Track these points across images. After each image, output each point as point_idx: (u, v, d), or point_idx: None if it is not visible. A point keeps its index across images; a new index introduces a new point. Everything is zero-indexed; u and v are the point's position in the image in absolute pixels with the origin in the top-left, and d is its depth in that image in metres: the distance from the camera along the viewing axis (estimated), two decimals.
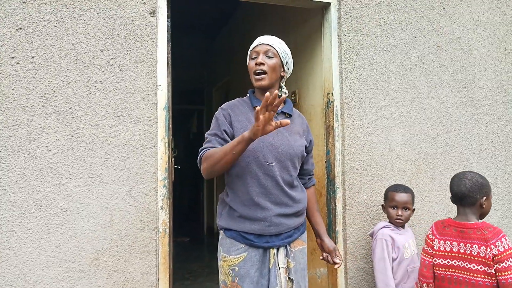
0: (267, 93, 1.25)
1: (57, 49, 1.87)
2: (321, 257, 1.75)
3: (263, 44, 1.57)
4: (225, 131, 1.53)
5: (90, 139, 1.89)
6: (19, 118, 1.81)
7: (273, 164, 1.51)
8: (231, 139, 1.52)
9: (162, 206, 1.98)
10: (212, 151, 1.46)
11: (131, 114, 1.96)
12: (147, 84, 1.99)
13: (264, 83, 1.55)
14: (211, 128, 1.59)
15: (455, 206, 2.57)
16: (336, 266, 1.70)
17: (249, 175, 1.51)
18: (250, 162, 1.50)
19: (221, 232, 1.59)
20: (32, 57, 1.84)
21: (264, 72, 1.54)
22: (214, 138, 1.54)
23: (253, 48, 1.58)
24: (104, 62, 1.93)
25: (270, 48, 1.56)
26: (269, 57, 1.56)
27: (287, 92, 1.70)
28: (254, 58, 1.56)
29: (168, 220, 1.99)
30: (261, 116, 1.28)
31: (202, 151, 1.53)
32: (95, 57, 1.92)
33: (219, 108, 1.62)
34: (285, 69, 1.62)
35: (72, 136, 1.87)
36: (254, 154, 1.50)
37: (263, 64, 1.54)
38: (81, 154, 1.88)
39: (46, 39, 1.85)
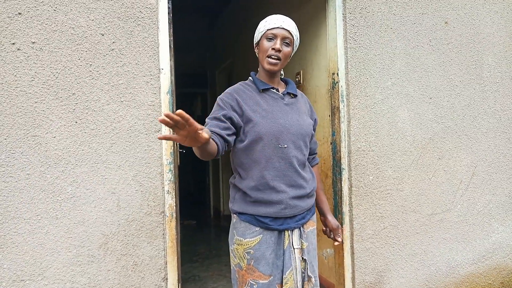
0: (179, 113, 1.02)
1: (57, 34, 1.84)
2: (323, 229, 1.76)
3: (283, 29, 1.52)
4: (225, 116, 1.47)
5: (94, 125, 1.88)
6: (23, 105, 1.80)
7: (286, 146, 1.50)
8: (233, 123, 1.48)
9: (168, 190, 1.98)
10: None
11: (135, 99, 1.94)
12: (150, 68, 1.96)
13: (276, 68, 1.53)
14: (211, 113, 1.54)
15: (461, 186, 2.56)
16: (336, 243, 1.73)
17: (264, 159, 1.49)
18: (264, 146, 1.49)
19: (234, 216, 1.58)
20: (33, 42, 1.81)
21: (279, 59, 1.52)
22: (211, 122, 1.48)
23: (271, 28, 1.52)
24: (106, 47, 1.90)
25: (288, 36, 1.53)
26: (286, 45, 1.53)
27: (283, 73, 1.68)
28: (271, 39, 1.52)
29: (174, 204, 2.00)
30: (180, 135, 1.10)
31: None
32: (96, 41, 1.89)
33: (222, 94, 1.58)
34: (291, 56, 1.61)
35: (76, 122, 1.86)
36: (267, 138, 1.48)
37: (280, 51, 1.51)
38: (85, 140, 1.87)
39: (46, 24, 1.83)
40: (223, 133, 1.44)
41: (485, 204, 2.63)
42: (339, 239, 1.72)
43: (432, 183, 2.49)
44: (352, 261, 2.32)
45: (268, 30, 1.53)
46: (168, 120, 1.02)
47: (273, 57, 1.51)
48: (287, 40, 1.52)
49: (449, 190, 2.53)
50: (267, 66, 1.53)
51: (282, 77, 1.66)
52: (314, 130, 1.70)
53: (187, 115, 1.03)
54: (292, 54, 1.60)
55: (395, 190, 2.39)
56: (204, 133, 1.10)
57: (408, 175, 2.43)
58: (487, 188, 2.63)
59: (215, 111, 1.51)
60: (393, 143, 2.39)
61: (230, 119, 1.48)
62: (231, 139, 1.47)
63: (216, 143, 1.39)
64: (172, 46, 2.03)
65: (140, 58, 1.95)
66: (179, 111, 1.01)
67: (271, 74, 1.57)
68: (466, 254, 2.56)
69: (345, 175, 2.32)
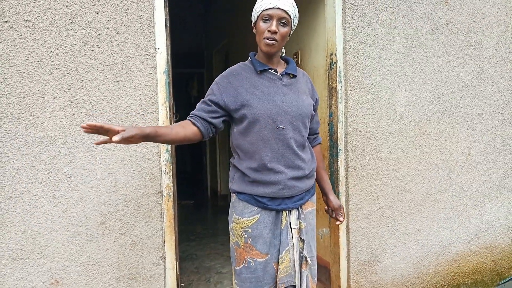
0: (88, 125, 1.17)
1: (51, 12, 1.80)
2: (325, 208, 1.78)
3: (279, 9, 1.48)
4: (211, 100, 1.51)
5: (90, 105, 1.87)
6: (17, 85, 1.78)
7: (284, 127, 1.50)
8: (220, 107, 1.51)
9: (165, 170, 1.99)
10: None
11: (131, 79, 1.92)
12: (146, 48, 1.94)
13: (273, 50, 1.51)
14: (206, 95, 1.57)
15: (456, 166, 2.58)
16: (337, 223, 1.75)
17: (261, 141, 1.49)
18: (261, 128, 1.49)
19: (233, 195, 1.60)
20: (26, 20, 1.78)
21: (275, 40, 1.49)
22: (199, 105, 1.54)
23: (267, 9, 1.48)
24: (100, 25, 1.87)
25: (285, 16, 1.49)
26: (283, 25, 1.50)
27: (284, 51, 1.65)
28: (266, 21, 1.49)
29: (172, 184, 2.01)
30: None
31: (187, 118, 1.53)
32: (90, 19, 1.86)
33: (219, 76, 1.58)
34: (290, 34, 1.58)
35: (72, 102, 1.85)
36: (264, 120, 1.48)
37: (276, 32, 1.48)
38: (82, 120, 1.86)
39: (39, 2, 1.79)
40: (206, 116, 1.50)
41: (480, 185, 2.65)
42: (341, 219, 1.73)
43: (428, 164, 2.50)
44: (348, 240, 2.35)
45: (263, 10, 1.49)
46: (88, 129, 1.17)
47: (269, 39, 1.49)
48: (283, 21, 1.49)
49: (444, 171, 2.55)
50: (264, 48, 1.51)
51: (283, 55, 1.64)
52: (315, 110, 1.69)
53: (98, 124, 1.17)
54: (291, 33, 1.57)
55: (391, 170, 2.41)
56: (125, 134, 1.19)
57: (405, 156, 2.44)
58: (482, 169, 2.66)
59: (207, 95, 1.56)
60: (390, 124, 2.39)
61: (217, 104, 1.51)
62: (217, 121, 1.53)
63: (198, 127, 1.48)
64: (168, 25, 2.00)
65: (135, 37, 1.92)
66: (89, 123, 1.17)
67: (269, 55, 1.55)
68: (459, 233, 2.61)
69: (341, 156, 2.33)
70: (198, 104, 1.55)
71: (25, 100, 1.79)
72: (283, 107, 1.51)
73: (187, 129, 1.46)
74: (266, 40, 1.49)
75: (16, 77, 1.77)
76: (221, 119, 1.54)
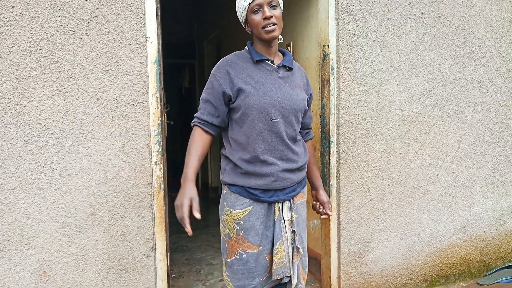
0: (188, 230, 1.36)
1: None
2: (313, 202, 1.78)
3: None
4: (219, 95, 1.51)
5: (79, 94, 1.84)
6: (3, 73, 1.73)
7: (277, 119, 1.49)
8: (228, 102, 1.51)
9: (156, 161, 1.97)
10: (190, 141, 1.54)
11: (121, 68, 1.89)
12: (136, 36, 1.90)
13: (276, 34, 1.50)
14: (205, 89, 1.55)
15: (446, 159, 2.61)
16: (325, 217, 1.77)
17: (254, 133, 1.48)
18: (255, 119, 1.47)
19: (225, 187, 1.59)
20: (12, 7, 1.73)
21: (274, 24, 1.48)
22: (205, 107, 1.53)
23: (253, 0, 1.48)
24: (89, 12, 1.83)
25: None
26: (274, 8, 1.49)
27: (282, 38, 1.63)
28: (257, 11, 1.48)
29: (162, 175, 1.99)
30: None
31: (193, 122, 1.55)
32: (79, 6, 1.81)
33: (215, 67, 1.56)
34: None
35: (60, 91, 1.81)
36: (258, 111, 1.47)
37: (272, 16, 1.47)
38: (70, 110, 1.83)
39: None
40: (215, 121, 1.53)
41: (469, 177, 2.68)
42: (330, 212, 1.74)
43: (419, 156, 2.52)
44: (338, 231, 2.37)
45: (250, 4, 1.48)
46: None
47: (268, 25, 1.47)
48: (273, 3, 1.48)
49: (434, 163, 2.57)
50: (267, 36, 1.49)
51: (281, 41, 1.62)
52: (309, 105, 1.68)
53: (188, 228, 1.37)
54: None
55: (382, 163, 2.42)
56: (195, 211, 1.39)
57: (396, 148, 2.45)
58: (471, 162, 2.68)
59: (208, 89, 1.54)
60: (381, 117, 2.40)
61: (222, 97, 1.51)
62: (223, 123, 1.56)
63: (211, 134, 1.55)
64: (159, 13, 1.97)
65: (125, 26, 1.88)
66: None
67: (269, 43, 1.53)
68: (448, 225, 2.64)
69: (333, 148, 2.33)
70: (202, 104, 1.54)
71: (11, 88, 1.74)
72: (278, 99, 1.49)
73: (205, 143, 1.53)
74: (266, 28, 1.48)
75: (2, 65, 1.73)
76: (226, 117, 1.55)
